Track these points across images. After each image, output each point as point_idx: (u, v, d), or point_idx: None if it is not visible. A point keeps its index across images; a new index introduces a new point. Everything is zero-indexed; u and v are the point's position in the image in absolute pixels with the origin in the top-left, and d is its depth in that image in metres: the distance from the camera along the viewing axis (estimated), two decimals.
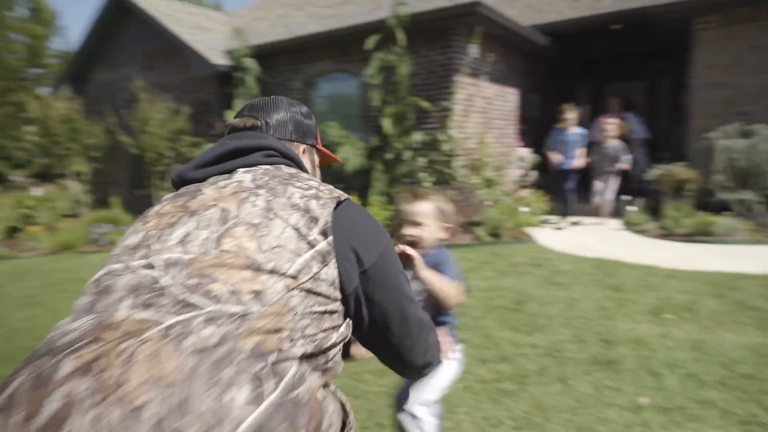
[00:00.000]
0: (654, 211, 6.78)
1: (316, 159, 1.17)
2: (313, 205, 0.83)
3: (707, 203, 6.45)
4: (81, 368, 0.63)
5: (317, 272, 0.78)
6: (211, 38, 9.20)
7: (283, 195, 0.84)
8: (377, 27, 6.79)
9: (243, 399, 0.64)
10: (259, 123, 1.05)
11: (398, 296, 0.90)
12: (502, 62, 8.63)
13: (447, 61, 7.08)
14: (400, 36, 6.64)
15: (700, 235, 5.75)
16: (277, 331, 0.72)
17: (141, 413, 0.60)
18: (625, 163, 6.73)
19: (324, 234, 0.81)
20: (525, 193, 8.16)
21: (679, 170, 6.72)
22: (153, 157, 8.31)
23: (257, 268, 0.74)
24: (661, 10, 6.91)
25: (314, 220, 0.81)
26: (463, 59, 7.22)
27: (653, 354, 2.88)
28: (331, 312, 0.81)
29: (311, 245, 0.79)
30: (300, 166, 1.01)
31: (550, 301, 3.85)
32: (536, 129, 9.94)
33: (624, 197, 7.17)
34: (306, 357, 0.76)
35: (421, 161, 6.95)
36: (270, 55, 8.65)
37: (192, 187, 0.92)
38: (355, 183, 7.19)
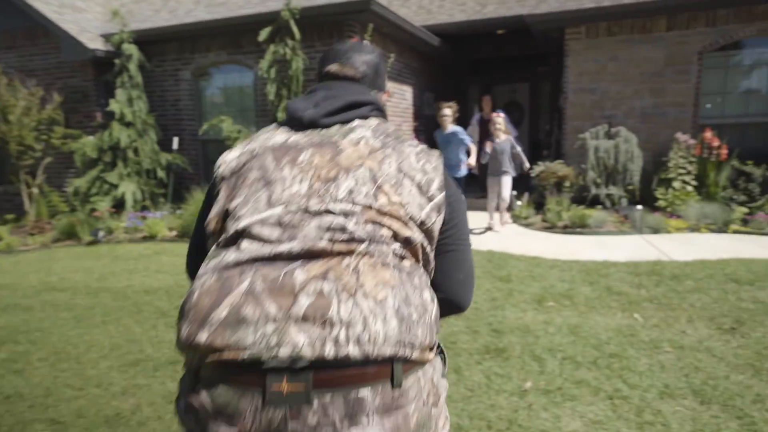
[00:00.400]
0: (539, 205, 7.34)
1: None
2: (428, 166, 1.07)
3: (584, 197, 7.12)
4: (318, 276, 0.88)
5: (435, 220, 1.04)
6: (84, 19, 8.33)
7: (404, 156, 1.05)
8: (271, 19, 6.59)
9: (428, 297, 0.98)
10: (356, 74, 1.21)
11: (464, 242, 1.15)
12: (398, 60, 8.79)
13: None
14: (294, 29, 6.50)
15: (577, 227, 6.33)
16: (423, 258, 1.04)
17: (385, 303, 0.88)
18: (525, 161, 6.45)
19: (440, 189, 1.05)
20: None
21: (558, 167, 7.34)
22: (18, 149, 7.36)
23: (408, 218, 1.00)
24: (535, 19, 7.46)
25: (431, 179, 1.05)
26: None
27: (537, 340, 3.10)
28: (432, 248, 1.07)
29: (430, 199, 1.03)
30: (385, 116, 1.21)
31: None
32: (431, 126, 10.31)
33: (512, 192, 7.68)
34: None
35: None
36: (155, 42, 8.05)
37: (324, 134, 1.08)
38: None
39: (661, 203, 6.60)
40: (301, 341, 0.83)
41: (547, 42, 9.23)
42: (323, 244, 0.92)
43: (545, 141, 10.27)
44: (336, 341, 0.84)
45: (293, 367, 0.83)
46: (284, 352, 0.83)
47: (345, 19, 6.84)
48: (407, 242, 0.99)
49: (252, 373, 0.83)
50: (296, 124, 1.11)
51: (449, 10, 9.60)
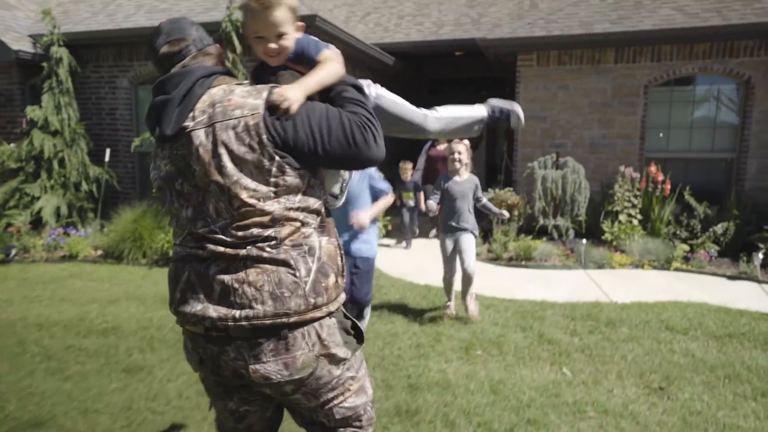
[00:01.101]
0: (487, 233, 7.17)
1: None
2: (246, 130, 1.32)
3: (532, 227, 6.99)
4: (222, 270, 1.31)
5: (272, 163, 1.33)
6: (13, 17, 7.76)
7: (230, 142, 1.31)
8: (211, 30, 6.21)
9: (303, 273, 1.35)
10: None
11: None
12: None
13: None
14: (236, 42, 6.17)
15: (522, 260, 6.17)
16: (308, 189, 1.39)
17: (262, 289, 1.29)
18: (500, 212, 4.39)
19: (257, 132, 1.32)
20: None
21: (508, 195, 7.20)
22: None
23: (260, 201, 1.33)
24: (486, 44, 7.37)
25: (253, 132, 1.30)
26: None
27: (455, 400, 2.84)
28: (303, 171, 1.38)
29: (262, 156, 1.32)
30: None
31: (369, 337, 3.72)
32: (390, 147, 10.08)
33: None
34: None
35: None
36: (91, 47, 7.56)
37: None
38: None
39: (607, 236, 6.53)
40: (214, 316, 1.30)
41: (502, 66, 9.19)
42: (220, 249, 1.31)
43: (500, 166, 10.21)
44: (234, 318, 1.29)
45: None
46: (207, 323, 1.32)
47: None
48: (275, 220, 1.30)
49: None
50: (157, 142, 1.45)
51: (406, 29, 9.46)
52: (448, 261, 4.17)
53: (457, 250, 4.10)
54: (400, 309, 4.41)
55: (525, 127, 7.77)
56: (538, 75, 7.48)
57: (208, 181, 1.28)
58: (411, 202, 7.10)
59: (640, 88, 7.10)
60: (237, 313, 1.28)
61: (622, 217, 6.63)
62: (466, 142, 6.76)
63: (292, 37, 1.39)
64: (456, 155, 4.14)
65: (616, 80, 7.18)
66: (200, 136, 1.28)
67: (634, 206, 6.71)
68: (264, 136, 1.25)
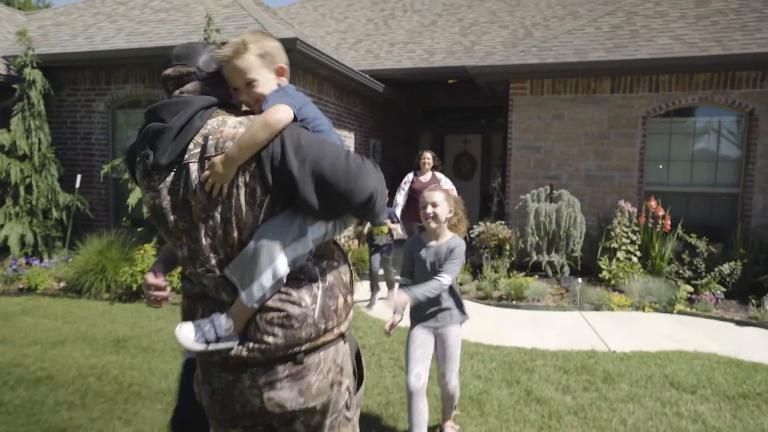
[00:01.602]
0: (477, 268, 6.76)
1: None
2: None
3: (525, 263, 6.58)
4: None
5: (258, 195, 1.34)
6: None
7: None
8: None
9: (308, 302, 1.36)
10: None
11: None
12: (337, 104, 8.28)
13: None
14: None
15: (513, 300, 5.75)
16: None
17: (273, 322, 1.32)
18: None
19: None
20: (356, 244, 7.74)
21: (499, 229, 6.81)
22: None
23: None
24: (477, 71, 7.11)
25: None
26: None
27: None
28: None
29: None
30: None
31: None
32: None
33: None
34: None
35: None
36: (68, 69, 7.29)
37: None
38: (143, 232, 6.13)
39: (604, 274, 6.11)
40: (235, 348, 1.33)
41: (496, 94, 8.94)
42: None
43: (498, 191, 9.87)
44: (249, 349, 1.31)
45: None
46: (223, 353, 1.33)
47: None
48: None
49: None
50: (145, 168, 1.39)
51: (397, 56, 9.25)
52: (416, 361, 2.59)
53: (433, 348, 2.67)
54: (375, 358, 3.96)
55: (517, 157, 7.45)
56: (532, 104, 7.19)
57: (204, 216, 1.28)
58: (383, 239, 5.33)
59: (638, 119, 6.79)
60: (251, 345, 1.31)
61: (621, 254, 6.22)
62: (450, 186, 6.04)
63: (267, 82, 1.35)
64: (429, 209, 2.58)
65: (613, 110, 6.89)
66: (195, 171, 1.26)
67: (633, 242, 6.32)
68: (255, 167, 1.24)
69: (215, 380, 1.37)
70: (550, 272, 6.53)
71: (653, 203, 6.25)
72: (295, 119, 1.29)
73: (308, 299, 1.32)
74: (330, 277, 1.37)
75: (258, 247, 1.26)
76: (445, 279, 2.50)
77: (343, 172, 1.24)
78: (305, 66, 6.79)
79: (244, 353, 1.31)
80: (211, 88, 1.34)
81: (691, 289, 5.58)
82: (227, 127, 1.26)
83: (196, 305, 1.38)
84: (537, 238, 6.52)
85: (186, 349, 1.33)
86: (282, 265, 1.28)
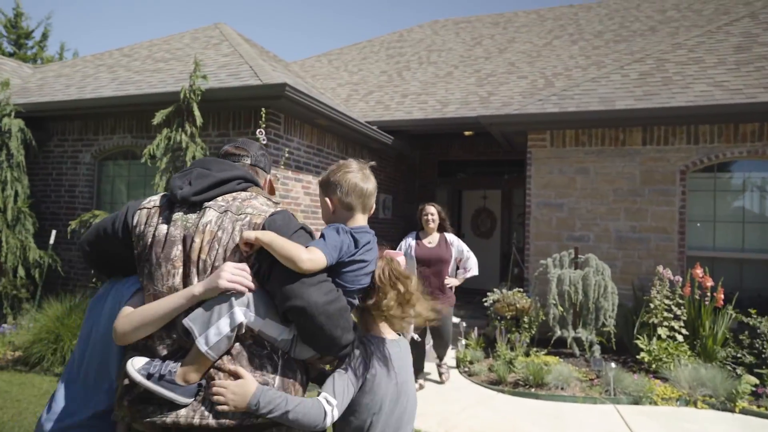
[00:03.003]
0: (491, 342, 5.83)
1: None
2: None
3: (547, 339, 5.63)
4: None
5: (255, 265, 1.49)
6: None
7: (229, 234, 1.45)
8: (171, 99, 5.49)
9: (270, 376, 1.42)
10: (240, 151, 1.68)
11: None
12: (341, 156, 7.70)
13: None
14: (196, 113, 5.38)
15: (531, 386, 4.78)
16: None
17: None
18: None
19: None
20: None
21: (517, 298, 5.92)
22: None
23: None
24: (489, 121, 6.46)
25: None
26: (282, 149, 6.11)
27: None
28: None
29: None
30: (257, 183, 1.63)
31: None
32: (389, 232, 9.07)
33: (461, 323, 6.18)
34: None
35: None
36: (57, 119, 6.97)
37: (187, 222, 1.45)
38: None
39: (643, 356, 5.10)
40: (182, 414, 1.32)
41: (514, 147, 8.25)
42: None
43: (515, 254, 8.98)
44: (202, 416, 1.31)
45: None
46: (169, 419, 1.33)
47: (257, 105, 5.78)
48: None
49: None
50: (174, 199, 1.46)
51: (408, 107, 8.73)
52: None
53: None
54: None
55: (537, 215, 6.64)
56: (553, 157, 6.45)
57: (197, 257, 1.40)
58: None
59: (676, 174, 5.95)
60: (205, 412, 1.32)
61: (662, 332, 5.22)
62: (464, 247, 4.70)
63: (324, 206, 1.64)
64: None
65: (646, 164, 6.07)
66: (211, 216, 1.43)
67: (676, 318, 5.32)
68: (269, 258, 1.38)
69: None
70: (576, 351, 5.54)
71: (699, 271, 5.28)
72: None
73: (269, 368, 1.38)
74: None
75: (222, 297, 1.34)
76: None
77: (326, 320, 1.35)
78: (301, 115, 6.26)
79: (196, 420, 1.31)
80: (253, 172, 1.64)
81: (755, 380, 4.52)
82: (255, 202, 1.48)
83: (155, 343, 1.39)
84: (561, 310, 5.59)
85: (129, 376, 1.33)
86: (239, 313, 1.34)
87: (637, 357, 5.19)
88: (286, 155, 5.50)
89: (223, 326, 1.31)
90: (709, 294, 5.23)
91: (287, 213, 1.47)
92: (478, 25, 13.21)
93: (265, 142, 5.21)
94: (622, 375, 4.73)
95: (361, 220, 1.60)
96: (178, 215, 1.44)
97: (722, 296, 5.19)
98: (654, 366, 4.98)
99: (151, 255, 1.42)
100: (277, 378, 1.37)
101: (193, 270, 1.38)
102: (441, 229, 4.78)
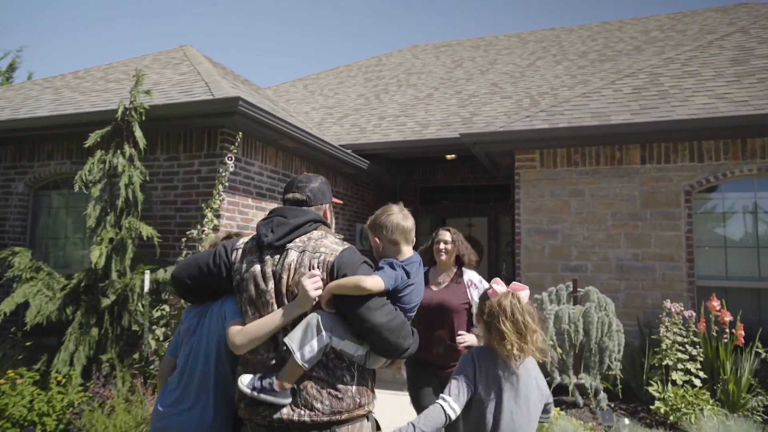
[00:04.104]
0: None
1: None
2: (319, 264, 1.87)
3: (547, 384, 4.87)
4: None
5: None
6: None
7: (306, 269, 1.84)
8: (110, 119, 4.79)
9: (348, 380, 1.78)
10: (303, 197, 1.97)
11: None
12: None
13: (210, 174, 5.20)
14: (138, 134, 4.67)
15: None
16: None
17: (322, 391, 1.74)
18: None
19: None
20: None
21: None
22: None
23: None
24: (472, 139, 5.84)
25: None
26: (239, 174, 5.41)
27: None
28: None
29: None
30: (326, 223, 1.99)
31: None
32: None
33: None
34: None
35: (157, 313, 4.66)
36: None
37: (274, 261, 1.83)
38: (51, 343, 4.63)
39: (658, 406, 4.37)
40: (284, 411, 1.71)
41: (500, 170, 7.66)
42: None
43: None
44: (299, 414, 1.70)
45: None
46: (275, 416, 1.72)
47: (212, 125, 5.11)
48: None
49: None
50: (261, 244, 1.83)
51: (385, 129, 8.13)
52: None
53: None
54: None
55: (528, 244, 5.97)
56: (543, 178, 5.83)
57: (286, 289, 1.78)
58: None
59: (680, 195, 5.36)
60: (301, 411, 1.70)
61: (677, 376, 4.51)
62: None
63: (374, 244, 2.04)
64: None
65: (647, 185, 5.48)
66: (293, 257, 1.80)
67: (692, 359, 4.63)
68: (331, 271, 1.77)
69: None
70: (580, 400, 4.79)
71: (716, 304, 4.62)
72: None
73: (348, 377, 1.75)
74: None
75: (312, 320, 1.72)
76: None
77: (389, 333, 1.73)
78: (263, 136, 5.60)
79: (295, 417, 1.70)
80: (315, 208, 1.97)
81: None
82: (326, 241, 1.84)
83: (264, 358, 1.78)
84: (560, 352, 4.86)
85: (240, 391, 1.72)
86: (326, 336, 1.70)
87: (651, 407, 4.46)
88: (224, 172, 4.72)
89: (315, 345, 1.69)
90: (727, 330, 4.56)
91: (352, 249, 1.84)
92: (458, 48, 12.86)
93: (233, 169, 4.52)
94: (637, 430, 3.99)
95: (407, 252, 1.96)
96: (267, 257, 1.82)
97: (742, 332, 4.52)
98: (672, 418, 4.25)
99: (249, 287, 1.81)
100: (354, 386, 1.74)
101: (285, 300, 1.77)
102: (460, 263, 3.44)
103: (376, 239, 1.98)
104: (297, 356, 1.66)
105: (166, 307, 4.78)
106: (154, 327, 4.70)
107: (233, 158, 4.41)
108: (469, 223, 10.43)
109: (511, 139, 5.65)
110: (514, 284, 2.03)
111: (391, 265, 1.82)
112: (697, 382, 4.48)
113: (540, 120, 5.73)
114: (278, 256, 1.79)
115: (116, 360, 4.37)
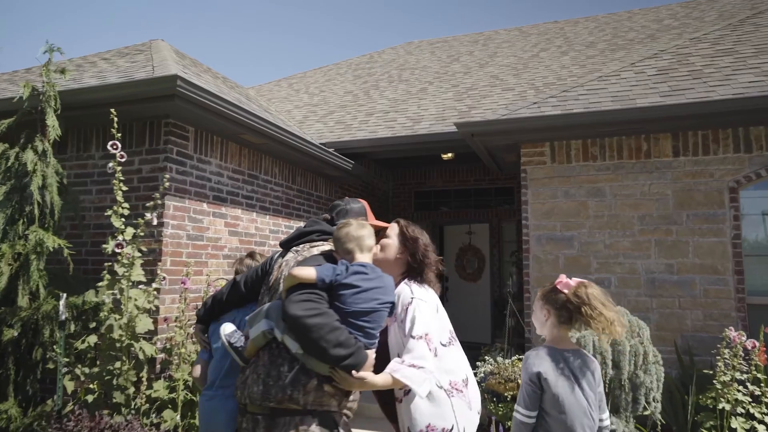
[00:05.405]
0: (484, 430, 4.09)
1: None
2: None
3: None
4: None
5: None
6: None
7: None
8: (14, 108, 3.87)
9: (285, 369, 1.83)
10: (327, 215, 2.25)
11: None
12: (286, 186, 6.10)
13: (152, 174, 4.28)
14: (53, 124, 3.74)
15: None
16: None
17: (258, 376, 1.88)
18: None
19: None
20: None
21: (517, 370, 4.24)
22: None
23: None
24: (470, 129, 4.89)
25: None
26: (190, 173, 4.49)
27: None
28: None
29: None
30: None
31: None
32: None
33: None
34: None
35: (82, 346, 3.71)
36: None
37: (283, 259, 2.08)
38: None
39: None
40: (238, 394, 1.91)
41: (501, 169, 6.74)
42: None
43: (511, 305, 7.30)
44: (243, 396, 1.86)
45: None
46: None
47: (154, 114, 4.19)
48: None
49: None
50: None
51: (373, 126, 7.21)
52: None
53: None
54: None
55: (538, 253, 5.03)
56: (555, 175, 4.90)
57: (272, 285, 2.01)
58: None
59: (724, 193, 4.41)
60: (245, 392, 1.86)
61: (738, 424, 3.53)
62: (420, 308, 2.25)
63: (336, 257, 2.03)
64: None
65: (681, 181, 4.54)
66: (288, 257, 2.03)
67: (756, 400, 3.65)
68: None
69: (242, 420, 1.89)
70: None
71: None
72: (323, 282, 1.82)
73: (286, 368, 1.80)
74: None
75: (264, 307, 1.94)
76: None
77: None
78: (221, 129, 4.68)
79: (242, 399, 1.87)
80: (331, 225, 2.14)
81: None
82: (315, 249, 2.02)
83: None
84: None
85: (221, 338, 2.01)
86: (265, 323, 1.86)
87: None
88: (166, 184, 3.86)
89: (258, 328, 1.86)
90: None
91: (324, 255, 1.97)
92: (455, 44, 11.99)
93: (123, 159, 3.59)
94: None
95: (361, 259, 1.92)
96: (277, 256, 2.12)
97: None
98: None
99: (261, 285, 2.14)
100: (287, 379, 1.78)
101: (272, 295, 1.98)
102: (411, 270, 2.55)
103: (335, 254, 1.98)
104: (248, 331, 1.92)
105: (94, 338, 3.83)
106: (77, 364, 3.76)
107: (118, 146, 3.47)
108: (469, 230, 9.49)
109: (516, 128, 4.72)
110: (572, 279, 2.20)
111: (337, 263, 1.90)
112: (761, 429, 3.51)
113: (550, 106, 4.81)
114: (284, 258, 2.03)
115: (15, 411, 3.41)
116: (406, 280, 2.12)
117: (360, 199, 2.28)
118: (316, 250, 1.98)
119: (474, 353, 4.61)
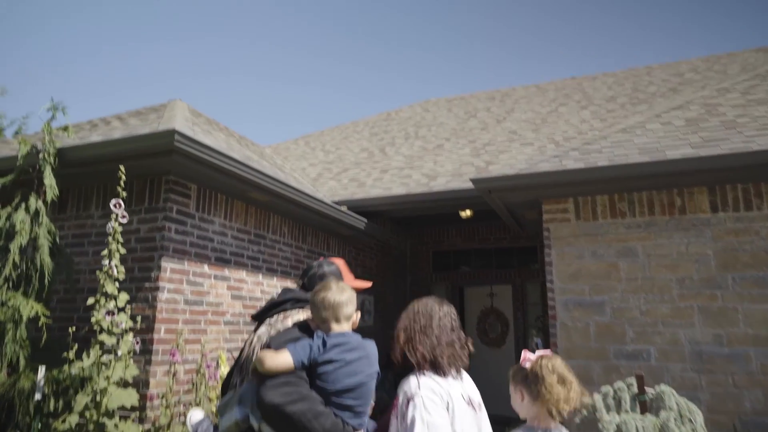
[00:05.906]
0: None
1: None
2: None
3: None
4: None
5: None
6: None
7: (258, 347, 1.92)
8: (8, 167, 3.75)
9: None
10: (299, 282, 2.16)
11: None
12: (296, 246, 5.83)
13: (150, 235, 4.06)
14: (50, 182, 3.59)
15: None
16: None
17: None
18: None
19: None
20: None
21: None
22: None
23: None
24: (487, 185, 4.59)
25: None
26: (191, 233, 4.26)
27: None
28: None
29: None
30: (308, 302, 1.97)
31: None
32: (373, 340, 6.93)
33: None
34: None
35: (62, 426, 3.36)
36: None
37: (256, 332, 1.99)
38: None
39: None
40: None
41: (522, 227, 6.38)
42: None
43: None
44: None
45: None
46: None
47: (157, 172, 4.03)
48: None
49: None
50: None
51: (387, 183, 7.00)
52: None
53: None
54: None
55: (566, 320, 4.56)
56: (581, 234, 4.52)
57: (243, 362, 1.85)
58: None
59: None
60: None
61: None
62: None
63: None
64: None
65: (723, 240, 4.11)
66: (261, 330, 1.91)
67: None
68: (266, 347, 1.78)
69: None
70: None
71: None
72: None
73: None
74: None
75: (238, 391, 1.73)
76: None
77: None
78: (226, 187, 4.49)
79: None
80: (305, 291, 2.03)
81: None
82: (291, 320, 1.88)
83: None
84: None
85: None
86: (237, 411, 1.67)
87: None
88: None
89: (232, 417, 1.67)
90: None
91: (297, 329, 1.79)
92: (472, 100, 11.98)
93: (125, 220, 3.37)
94: None
95: (337, 329, 1.74)
96: (254, 330, 1.97)
97: None
98: None
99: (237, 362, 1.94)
100: None
101: (242, 371, 1.82)
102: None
103: (311, 323, 1.83)
104: (220, 423, 1.72)
105: (75, 417, 3.48)
106: None
107: (122, 205, 3.26)
108: (490, 292, 9.01)
109: (537, 183, 4.41)
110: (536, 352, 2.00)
111: (312, 338, 1.71)
112: None
113: (572, 159, 4.51)
114: (257, 331, 1.92)
115: None
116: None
117: (335, 260, 2.15)
118: (290, 321, 1.86)
119: (498, 429, 4.08)
